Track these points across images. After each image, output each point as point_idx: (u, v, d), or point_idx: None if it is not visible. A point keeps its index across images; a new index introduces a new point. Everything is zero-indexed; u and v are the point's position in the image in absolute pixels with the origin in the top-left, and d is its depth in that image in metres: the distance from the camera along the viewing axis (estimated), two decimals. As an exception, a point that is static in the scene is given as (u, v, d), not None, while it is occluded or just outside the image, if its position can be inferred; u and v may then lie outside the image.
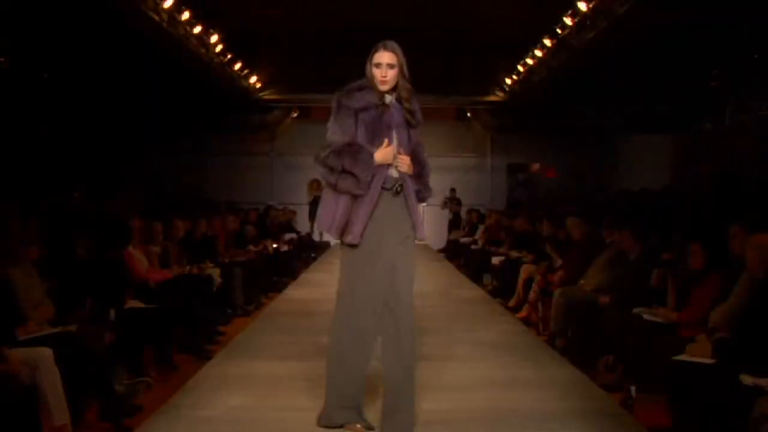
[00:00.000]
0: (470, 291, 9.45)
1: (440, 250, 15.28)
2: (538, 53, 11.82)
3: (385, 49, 3.72)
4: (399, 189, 3.66)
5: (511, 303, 8.15)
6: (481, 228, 12.49)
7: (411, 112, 3.74)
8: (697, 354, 4.00)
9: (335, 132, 3.72)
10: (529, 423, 4.06)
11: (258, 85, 14.67)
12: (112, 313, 5.16)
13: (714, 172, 12.02)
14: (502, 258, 9.54)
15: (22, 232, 5.01)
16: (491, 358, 5.58)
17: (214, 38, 11.25)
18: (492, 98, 15.28)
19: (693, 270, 4.94)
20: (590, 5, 9.23)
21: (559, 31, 10.54)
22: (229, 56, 12.28)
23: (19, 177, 11.46)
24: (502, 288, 8.86)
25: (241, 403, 4.34)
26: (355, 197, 3.59)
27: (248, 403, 4.36)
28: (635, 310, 5.20)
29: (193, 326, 6.16)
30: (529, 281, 7.73)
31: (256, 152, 17.13)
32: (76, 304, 4.94)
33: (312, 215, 16.30)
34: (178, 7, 9.63)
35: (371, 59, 3.75)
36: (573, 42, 10.40)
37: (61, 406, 3.84)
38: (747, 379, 3.45)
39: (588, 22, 9.60)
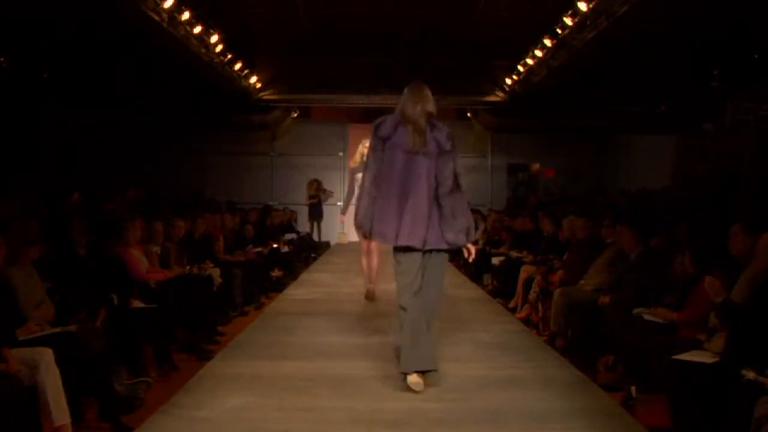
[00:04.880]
0: (470, 291, 9.44)
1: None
2: (539, 53, 11.81)
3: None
4: None
5: (512, 303, 8.14)
6: (481, 228, 12.47)
7: None
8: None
9: None
10: (529, 423, 4.06)
11: (258, 85, 14.66)
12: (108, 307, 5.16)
13: (714, 172, 12.02)
14: (503, 258, 9.54)
15: (23, 233, 5.02)
16: (491, 358, 5.58)
17: (214, 38, 11.24)
18: (492, 98, 15.26)
19: (692, 271, 4.94)
20: (590, 5, 9.21)
21: (559, 31, 10.53)
22: (229, 56, 12.27)
23: (19, 177, 11.46)
24: (502, 288, 8.85)
25: (241, 403, 4.33)
26: None
27: (248, 403, 4.36)
28: (635, 310, 5.20)
29: (193, 326, 6.16)
30: (529, 282, 7.73)
31: (256, 152, 17.12)
32: (77, 304, 4.95)
33: (311, 215, 16.30)
34: (178, 7, 9.62)
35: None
36: (573, 42, 10.39)
37: (61, 406, 3.85)
38: (749, 374, 3.45)
39: (588, 22, 9.59)
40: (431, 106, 4.63)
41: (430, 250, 4.57)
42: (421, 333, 4.53)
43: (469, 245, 4.75)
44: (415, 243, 4.51)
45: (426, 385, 4.53)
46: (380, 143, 4.60)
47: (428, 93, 4.66)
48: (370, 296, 7.94)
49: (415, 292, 4.56)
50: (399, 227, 4.52)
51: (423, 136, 4.53)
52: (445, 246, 4.58)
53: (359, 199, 4.81)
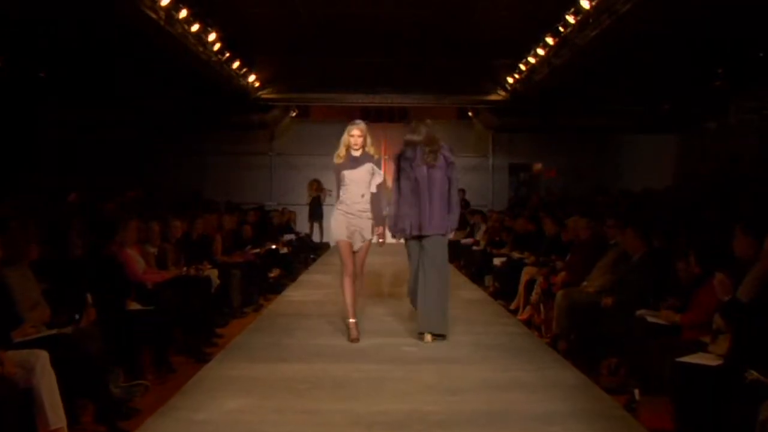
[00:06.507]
0: (471, 292, 9.40)
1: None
2: (541, 52, 11.75)
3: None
4: None
5: (513, 305, 8.09)
6: (483, 229, 12.42)
7: None
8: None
9: None
10: (531, 425, 4.02)
11: (257, 85, 14.61)
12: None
13: (715, 172, 11.97)
14: (504, 259, 9.47)
15: (22, 233, 4.96)
16: (493, 360, 5.54)
17: (212, 36, 11.19)
18: (493, 98, 15.20)
19: (697, 272, 4.89)
20: (593, 3, 9.15)
21: (561, 29, 10.47)
22: (227, 55, 12.22)
23: (19, 177, 11.42)
24: (503, 289, 8.80)
25: (239, 406, 4.30)
26: None
27: (246, 405, 4.32)
28: (638, 312, 5.15)
29: (190, 328, 6.11)
30: (531, 283, 7.67)
31: (255, 152, 17.08)
32: (73, 305, 4.90)
33: (311, 215, 16.25)
34: (175, 5, 9.57)
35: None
36: (576, 40, 10.33)
37: (56, 409, 3.80)
38: (753, 374, 3.41)
39: (591, 20, 9.53)
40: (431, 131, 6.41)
41: (428, 236, 6.17)
42: (431, 299, 6.07)
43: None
44: (425, 232, 6.18)
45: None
46: (407, 163, 6.28)
47: (425, 124, 6.45)
48: (355, 336, 6.21)
49: (418, 268, 6.16)
50: (420, 221, 6.16)
51: (435, 154, 6.27)
52: (442, 231, 6.25)
53: (393, 205, 6.37)
